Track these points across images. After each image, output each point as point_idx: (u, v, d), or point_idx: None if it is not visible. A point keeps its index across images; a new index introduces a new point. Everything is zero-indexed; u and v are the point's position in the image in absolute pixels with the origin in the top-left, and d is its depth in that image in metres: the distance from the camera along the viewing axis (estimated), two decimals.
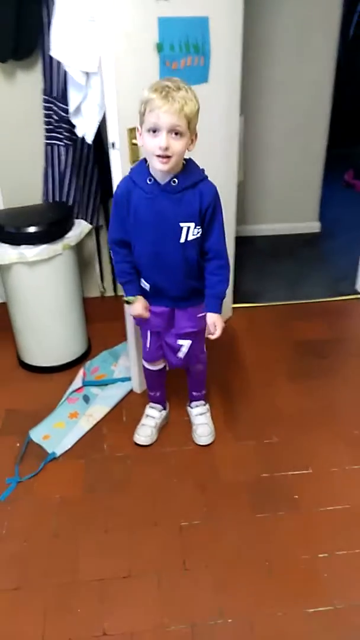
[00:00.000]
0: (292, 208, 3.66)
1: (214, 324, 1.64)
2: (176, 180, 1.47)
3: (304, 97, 3.27)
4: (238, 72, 2.16)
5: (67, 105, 2.10)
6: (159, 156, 1.38)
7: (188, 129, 1.37)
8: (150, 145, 1.38)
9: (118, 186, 1.60)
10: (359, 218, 2.88)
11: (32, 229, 2.08)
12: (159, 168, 1.42)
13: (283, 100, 3.27)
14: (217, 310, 1.64)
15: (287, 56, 3.15)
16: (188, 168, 1.50)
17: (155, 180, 1.48)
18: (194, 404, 2.04)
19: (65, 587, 1.49)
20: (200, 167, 1.54)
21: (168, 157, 1.38)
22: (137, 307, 1.70)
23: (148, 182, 1.48)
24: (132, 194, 1.53)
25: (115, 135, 1.67)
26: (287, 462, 1.88)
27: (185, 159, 1.49)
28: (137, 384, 2.22)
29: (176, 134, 1.36)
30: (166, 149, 1.36)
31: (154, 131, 1.36)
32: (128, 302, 1.72)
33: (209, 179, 1.54)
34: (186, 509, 1.71)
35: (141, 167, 1.50)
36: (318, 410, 2.12)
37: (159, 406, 2.04)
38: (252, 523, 1.66)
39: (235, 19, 2.04)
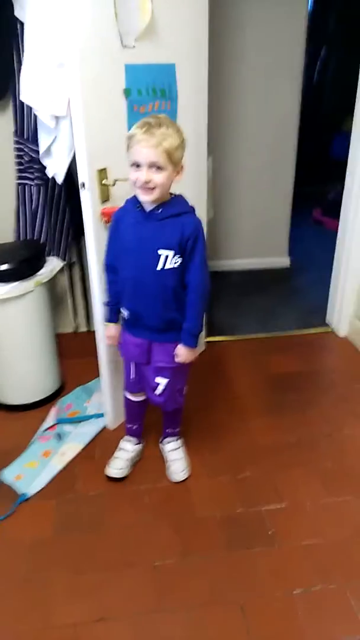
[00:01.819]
0: (263, 244, 3.74)
1: (178, 353, 1.68)
2: (160, 209, 1.54)
3: (270, 138, 3.40)
4: (205, 114, 2.24)
5: (37, 146, 2.15)
6: (141, 188, 1.47)
7: (170, 162, 1.44)
8: (133, 179, 1.47)
9: (113, 215, 1.69)
10: (328, 254, 2.95)
11: (3, 267, 2.09)
12: (142, 199, 1.51)
13: (251, 140, 3.39)
14: (187, 343, 1.67)
15: (254, 99, 3.28)
16: (175, 200, 1.57)
17: (142, 208, 1.56)
18: (166, 440, 2.03)
19: (37, 632, 1.45)
20: (190, 205, 1.60)
21: (151, 189, 1.46)
22: (110, 329, 1.81)
23: (136, 208, 1.57)
24: (122, 221, 1.63)
25: (85, 176, 1.71)
26: (261, 496, 1.87)
27: (174, 194, 1.58)
28: (111, 420, 2.20)
29: (157, 168, 1.44)
30: (147, 182, 1.45)
31: (137, 166, 1.45)
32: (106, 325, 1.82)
33: (194, 214, 1.59)
34: (160, 548, 1.68)
35: (134, 196, 1.58)
36: (292, 444, 2.12)
37: (134, 439, 2.02)
38: (227, 561, 1.64)
39: (200, 65, 2.12)
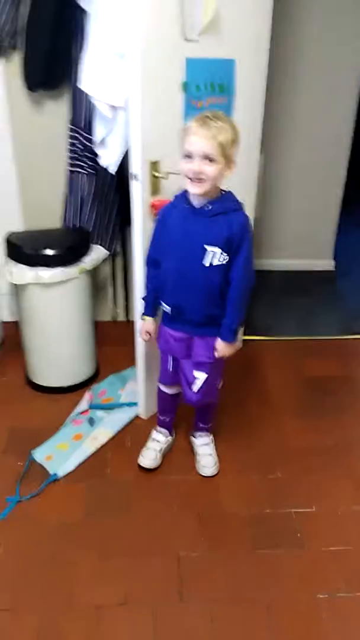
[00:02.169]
0: (308, 245, 3.70)
1: (217, 347, 1.69)
2: (210, 206, 1.54)
3: (324, 137, 3.35)
4: (260, 111, 2.22)
5: (92, 135, 2.17)
6: (192, 180, 1.48)
7: (222, 156, 1.45)
8: (185, 170, 1.48)
9: (161, 209, 1.70)
10: None
11: (49, 252, 2.13)
12: (192, 190, 1.51)
13: (303, 138, 3.35)
14: (226, 338, 1.68)
15: (310, 96, 3.24)
16: (225, 197, 1.57)
17: (191, 204, 1.56)
18: (197, 434, 2.04)
19: (60, 611, 1.48)
20: (240, 201, 1.60)
21: (201, 180, 1.47)
22: (148, 324, 1.82)
23: (185, 205, 1.58)
24: (169, 215, 1.64)
25: (137, 168, 1.72)
26: (291, 498, 1.86)
27: (224, 190, 1.58)
28: (143, 410, 2.23)
29: (210, 160, 1.44)
30: (199, 173, 1.45)
31: (189, 156, 1.46)
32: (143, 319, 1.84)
33: (244, 211, 1.59)
34: (186, 539, 1.70)
35: (183, 193, 1.59)
36: (325, 448, 2.10)
37: (166, 431, 2.04)
38: (252, 559, 1.64)
39: (260, 61, 2.11)
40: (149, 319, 1.82)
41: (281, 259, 3.70)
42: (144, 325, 1.84)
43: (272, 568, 1.61)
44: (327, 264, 3.78)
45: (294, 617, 1.48)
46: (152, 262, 1.74)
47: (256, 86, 2.13)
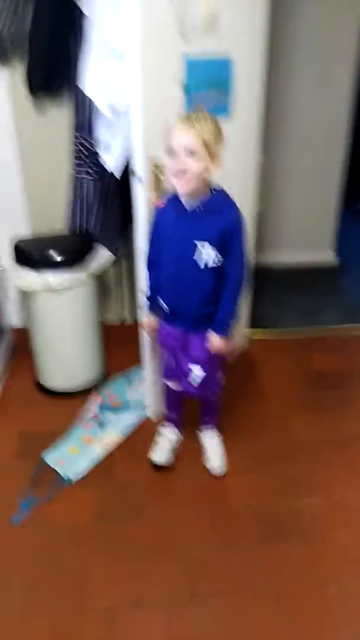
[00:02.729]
0: (310, 239, 3.69)
1: (211, 342, 1.69)
2: (202, 207, 1.55)
3: (322, 132, 3.35)
4: (258, 108, 2.21)
5: (95, 139, 2.18)
6: (177, 177, 1.48)
7: (206, 151, 1.44)
8: (169, 166, 1.50)
9: (156, 211, 1.71)
10: None
11: (57, 258, 2.14)
12: (179, 189, 1.52)
13: (302, 134, 3.34)
14: (219, 332, 1.68)
15: (307, 92, 3.24)
16: (216, 196, 1.57)
17: (184, 206, 1.57)
18: (204, 427, 2.06)
19: (73, 614, 1.49)
20: (231, 198, 1.59)
21: (186, 177, 1.47)
22: (150, 320, 1.85)
23: (178, 206, 1.58)
24: (163, 217, 1.65)
25: (141, 170, 1.73)
26: (300, 493, 1.87)
27: (215, 189, 1.57)
28: (152, 411, 2.23)
29: (192, 154, 1.44)
30: (182, 168, 1.45)
31: (174, 154, 1.46)
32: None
33: (236, 207, 1.59)
34: (196, 538, 1.71)
35: (175, 194, 1.59)
36: (333, 442, 2.11)
37: (174, 429, 2.06)
38: (262, 554, 1.65)
39: (258, 59, 2.10)
40: (153, 316, 1.84)
41: (283, 254, 3.69)
42: (149, 322, 1.87)
43: (282, 561, 1.62)
44: (329, 257, 3.77)
45: (304, 609, 1.49)
46: (151, 262, 1.77)
47: (254, 84, 2.13)
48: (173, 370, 1.89)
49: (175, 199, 1.60)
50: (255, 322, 2.87)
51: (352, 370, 2.58)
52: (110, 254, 2.43)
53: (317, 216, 3.62)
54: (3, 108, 2.38)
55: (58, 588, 1.56)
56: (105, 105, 2.00)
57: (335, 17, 3.05)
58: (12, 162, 2.51)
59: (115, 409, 2.29)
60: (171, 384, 1.96)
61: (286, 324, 2.98)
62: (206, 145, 1.44)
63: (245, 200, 2.30)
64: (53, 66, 2.22)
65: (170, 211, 1.62)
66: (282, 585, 1.55)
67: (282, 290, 3.37)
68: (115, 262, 2.76)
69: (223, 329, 1.69)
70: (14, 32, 2.18)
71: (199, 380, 1.80)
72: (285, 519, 1.77)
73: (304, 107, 3.27)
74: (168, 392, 2.01)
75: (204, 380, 1.80)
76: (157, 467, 1.97)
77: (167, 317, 1.78)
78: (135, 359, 2.25)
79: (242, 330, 2.62)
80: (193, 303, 1.66)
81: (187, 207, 1.56)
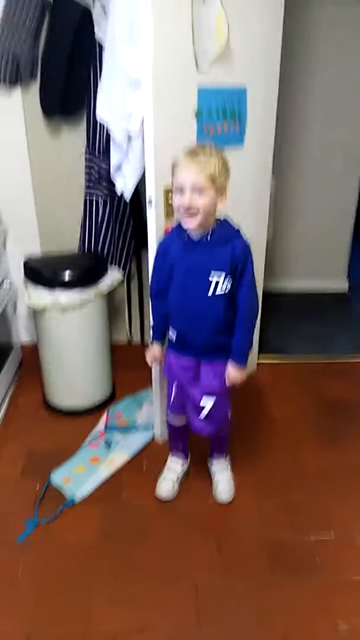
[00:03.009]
0: (322, 266, 3.70)
1: (229, 373, 1.68)
2: (209, 237, 1.55)
3: (335, 159, 3.38)
4: (272, 137, 2.25)
5: (107, 163, 2.22)
6: (185, 214, 1.49)
7: (213, 187, 1.45)
8: (177, 204, 1.49)
9: (159, 242, 1.71)
10: None
11: (67, 276, 2.17)
12: (186, 225, 1.52)
13: (314, 161, 3.38)
14: (237, 362, 1.67)
15: (321, 118, 3.27)
16: (222, 226, 1.58)
17: (189, 237, 1.57)
18: (215, 460, 2.03)
19: (77, 636, 1.47)
20: (236, 226, 1.61)
21: (193, 214, 1.47)
22: (154, 350, 1.83)
23: (184, 237, 1.58)
24: (170, 248, 1.64)
25: (152, 193, 1.76)
26: (309, 524, 1.84)
27: (220, 219, 1.57)
28: (159, 433, 2.23)
29: (200, 192, 1.45)
30: (189, 207, 1.46)
31: (181, 190, 1.47)
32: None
33: (242, 236, 1.60)
34: (203, 566, 1.69)
35: (180, 225, 1.59)
36: (343, 473, 2.08)
37: (180, 460, 2.04)
38: (270, 586, 1.62)
39: (271, 88, 2.14)
40: (156, 345, 1.83)
41: (294, 281, 3.71)
42: (150, 350, 1.85)
43: (290, 596, 1.59)
44: (341, 284, 3.78)
45: None
46: (156, 294, 1.75)
47: (267, 112, 2.16)
48: (178, 406, 1.85)
49: (180, 229, 1.59)
50: (265, 348, 2.87)
51: None
52: (120, 274, 2.45)
53: (331, 244, 3.63)
54: (17, 128, 2.44)
55: (63, 610, 1.55)
56: (118, 130, 2.04)
57: (350, 40, 3.08)
58: (26, 183, 2.56)
59: (123, 429, 2.29)
60: (175, 421, 1.94)
61: (296, 350, 2.97)
62: (213, 180, 1.44)
63: (258, 228, 2.34)
64: (68, 89, 2.27)
65: (175, 240, 1.62)
66: (289, 619, 1.52)
67: (293, 317, 3.37)
68: (126, 282, 2.79)
69: (241, 360, 1.67)
70: (32, 56, 2.24)
71: (208, 412, 1.76)
72: (294, 550, 1.74)
73: (317, 133, 3.31)
74: (172, 428, 1.99)
75: (215, 414, 1.77)
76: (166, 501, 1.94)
77: (175, 346, 1.75)
78: (143, 380, 2.26)
79: (251, 356, 2.62)
80: (204, 331, 1.65)
81: (194, 237, 1.57)
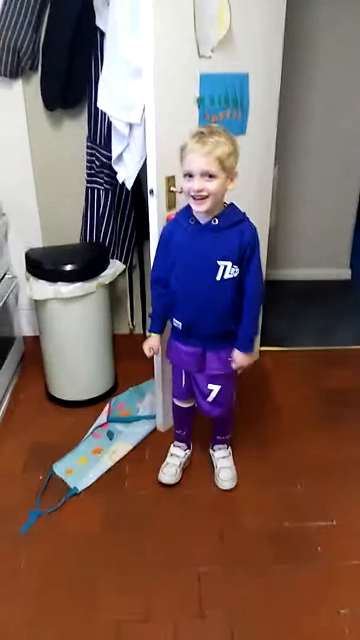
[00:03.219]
0: (324, 254, 3.69)
1: (235, 359, 1.68)
2: (217, 220, 1.54)
3: (338, 148, 3.36)
4: (274, 125, 2.24)
5: (109, 152, 2.21)
6: (194, 198, 1.47)
7: (222, 170, 1.44)
8: (186, 188, 1.48)
9: (164, 228, 1.70)
10: None
11: (68, 267, 2.16)
12: (196, 209, 1.51)
13: (317, 150, 3.36)
14: (244, 348, 1.67)
15: (324, 108, 3.25)
16: (229, 210, 1.57)
17: (197, 221, 1.56)
18: (216, 447, 2.04)
19: (81, 626, 1.48)
20: (242, 211, 1.60)
21: (204, 197, 1.46)
22: (153, 340, 1.80)
23: (190, 222, 1.57)
24: (175, 234, 1.63)
25: (154, 183, 1.74)
26: (311, 512, 1.84)
27: (226, 203, 1.57)
28: (161, 423, 2.23)
29: (210, 176, 1.44)
30: (200, 190, 1.45)
31: (190, 175, 1.46)
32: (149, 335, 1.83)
33: (249, 220, 1.59)
34: (206, 554, 1.69)
35: (186, 209, 1.59)
36: (345, 461, 2.08)
37: (183, 445, 2.04)
38: (272, 573, 1.63)
39: (273, 75, 2.13)
40: (155, 335, 1.81)
41: (297, 269, 3.70)
42: (148, 341, 1.82)
43: (293, 582, 1.60)
44: (343, 273, 3.77)
45: (317, 633, 1.46)
46: (157, 280, 1.73)
47: (270, 99, 2.15)
48: (184, 390, 1.87)
49: (185, 214, 1.59)
50: (268, 336, 2.87)
51: None
52: (122, 264, 2.44)
53: (333, 232, 3.61)
54: (18, 121, 2.42)
55: (67, 599, 1.55)
56: (119, 119, 2.02)
57: (352, 31, 3.06)
58: (27, 175, 2.55)
59: (125, 419, 2.29)
60: (182, 404, 1.95)
61: (299, 338, 2.97)
62: (221, 163, 1.43)
63: (261, 216, 2.33)
64: (69, 80, 2.25)
65: (181, 226, 1.61)
66: (292, 606, 1.52)
67: (296, 305, 3.35)
68: (127, 273, 2.78)
69: (247, 345, 1.67)
70: (32, 48, 2.22)
71: (215, 397, 1.78)
72: (296, 538, 1.74)
73: (320, 122, 3.28)
74: (177, 410, 1.99)
75: (221, 398, 1.78)
76: (167, 486, 1.95)
77: (180, 335, 1.74)
78: (145, 370, 2.25)
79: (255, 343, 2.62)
80: (212, 319, 1.64)
81: (202, 221, 1.56)
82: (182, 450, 2.03)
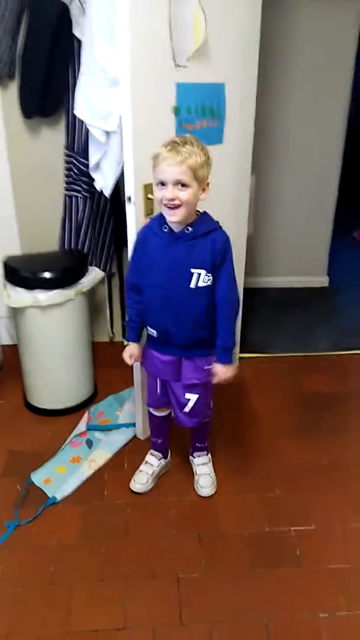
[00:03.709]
0: (302, 262, 3.73)
1: (216, 371, 1.68)
2: (190, 229, 1.55)
3: (314, 157, 3.40)
4: (251, 132, 2.27)
5: (87, 160, 2.21)
6: (167, 206, 1.48)
7: (195, 179, 1.44)
8: (159, 196, 1.48)
9: (137, 234, 1.69)
10: None
11: (46, 275, 2.15)
12: (170, 218, 1.51)
13: (294, 158, 3.40)
14: (223, 360, 1.67)
15: (299, 118, 3.30)
16: (202, 219, 1.58)
17: (170, 228, 1.56)
18: (196, 453, 2.03)
19: (58, 636, 1.46)
20: (215, 220, 1.61)
21: (176, 206, 1.47)
22: (131, 348, 1.78)
23: (164, 230, 1.57)
24: (148, 241, 1.62)
25: (131, 190, 1.75)
26: (290, 517, 1.85)
27: (199, 212, 1.57)
28: (141, 431, 2.22)
29: (182, 185, 1.44)
30: (172, 199, 1.45)
31: (162, 184, 1.46)
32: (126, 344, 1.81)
33: (222, 229, 1.60)
34: (185, 561, 1.68)
35: (160, 217, 1.59)
36: (323, 465, 2.10)
37: (159, 454, 2.03)
38: (252, 579, 1.63)
39: (249, 85, 2.16)
40: (133, 343, 1.79)
41: (275, 277, 3.74)
42: (128, 349, 1.80)
43: (272, 587, 1.60)
44: (321, 280, 3.81)
45: (295, 636, 1.46)
46: (133, 287, 1.72)
47: (246, 108, 2.18)
48: (159, 398, 1.86)
49: (159, 221, 1.58)
50: (247, 343, 2.88)
51: (343, 392, 2.59)
52: (100, 271, 2.44)
53: (311, 239, 3.66)
54: None
55: (43, 609, 1.53)
56: (96, 127, 2.03)
57: (328, 37, 3.10)
58: (5, 182, 2.53)
59: (104, 427, 2.28)
60: (157, 413, 1.94)
61: (278, 345, 2.99)
62: (194, 172, 1.43)
63: (238, 225, 2.35)
64: (48, 90, 2.25)
65: (154, 233, 1.60)
66: (272, 612, 1.52)
67: (274, 313, 3.38)
68: (106, 281, 2.78)
69: (226, 356, 1.66)
70: (10, 56, 2.22)
71: (192, 406, 1.76)
72: (276, 544, 1.75)
73: (297, 132, 3.33)
74: (153, 419, 1.98)
75: (198, 407, 1.77)
76: (138, 494, 1.94)
77: (156, 344, 1.74)
78: (124, 378, 2.25)
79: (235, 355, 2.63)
80: (187, 327, 1.64)
81: (175, 229, 1.56)
82: (156, 459, 2.02)
